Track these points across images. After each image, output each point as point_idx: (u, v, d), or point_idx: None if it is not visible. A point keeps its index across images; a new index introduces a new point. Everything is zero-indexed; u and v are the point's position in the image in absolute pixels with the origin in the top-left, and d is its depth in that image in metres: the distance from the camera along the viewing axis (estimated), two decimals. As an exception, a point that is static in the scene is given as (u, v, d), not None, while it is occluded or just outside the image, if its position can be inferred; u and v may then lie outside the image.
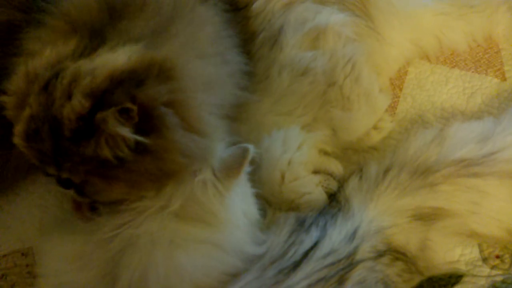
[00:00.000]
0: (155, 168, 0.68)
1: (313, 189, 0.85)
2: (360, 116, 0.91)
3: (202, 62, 0.76)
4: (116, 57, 0.68)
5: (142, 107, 0.64)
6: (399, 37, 1.01)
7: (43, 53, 0.70)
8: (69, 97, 0.64)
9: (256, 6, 0.92)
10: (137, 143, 0.65)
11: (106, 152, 0.64)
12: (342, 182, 0.86)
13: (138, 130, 0.64)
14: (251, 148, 0.73)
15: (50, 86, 0.66)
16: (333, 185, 0.87)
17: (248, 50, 0.89)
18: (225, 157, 0.74)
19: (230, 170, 0.72)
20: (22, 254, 0.88)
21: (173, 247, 0.69)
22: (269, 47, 0.90)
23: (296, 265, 0.70)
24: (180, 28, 0.76)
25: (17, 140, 0.68)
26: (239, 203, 0.75)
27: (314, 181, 0.86)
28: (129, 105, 0.62)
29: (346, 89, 0.90)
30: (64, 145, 0.65)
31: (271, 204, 0.84)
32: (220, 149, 0.75)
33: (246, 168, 0.74)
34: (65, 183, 0.70)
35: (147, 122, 0.65)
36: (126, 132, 0.63)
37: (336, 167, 0.90)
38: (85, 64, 0.67)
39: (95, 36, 0.72)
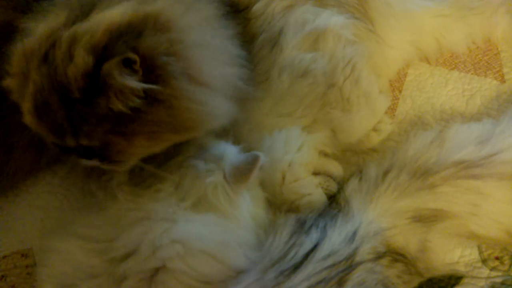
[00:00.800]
0: (170, 117, 0.69)
1: (313, 190, 0.85)
2: (359, 118, 0.91)
3: (194, 26, 0.76)
4: (111, 13, 0.68)
5: (144, 58, 0.64)
6: (399, 39, 1.01)
7: (36, 30, 0.70)
8: (70, 59, 0.64)
9: (256, 8, 0.91)
10: (147, 93, 0.65)
11: (119, 105, 0.64)
12: (341, 184, 0.87)
13: (144, 82, 0.65)
14: (262, 156, 0.76)
15: (49, 56, 0.66)
16: (333, 187, 0.88)
17: (248, 51, 0.89)
18: (236, 162, 0.76)
19: (240, 175, 0.75)
20: (22, 255, 0.88)
21: (175, 222, 0.72)
22: (269, 49, 0.90)
23: (297, 266, 0.70)
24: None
25: (28, 118, 0.68)
26: (247, 206, 0.78)
27: (314, 182, 0.86)
28: (131, 55, 0.63)
29: (346, 90, 0.90)
30: (77, 109, 0.65)
31: (272, 205, 0.84)
32: (232, 153, 0.78)
33: (256, 173, 0.77)
34: (87, 153, 0.70)
35: (152, 72, 0.66)
36: (132, 81, 0.63)
37: (336, 168, 0.90)
38: (80, 26, 0.67)
39: (85, 6, 0.72)
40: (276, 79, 0.89)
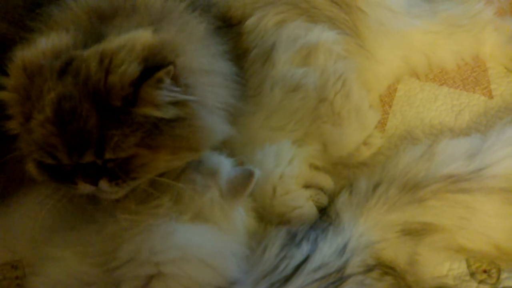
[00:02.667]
0: (190, 134, 0.71)
1: (303, 203, 0.85)
2: (350, 132, 0.92)
3: (194, 53, 0.78)
4: (140, 33, 0.70)
5: (173, 76, 0.67)
6: (389, 55, 1.02)
7: (36, 44, 0.70)
8: (107, 71, 0.65)
9: (249, 23, 0.92)
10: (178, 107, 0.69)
11: (158, 113, 0.67)
12: (332, 197, 0.87)
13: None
14: (257, 171, 0.77)
15: (71, 69, 0.66)
16: (324, 200, 0.88)
17: (241, 65, 0.90)
18: (231, 178, 0.77)
19: (235, 191, 0.77)
20: (12, 267, 0.87)
21: (174, 229, 0.73)
22: (261, 63, 0.91)
23: (287, 279, 0.71)
24: (170, 25, 0.78)
25: (40, 130, 0.66)
26: (242, 220, 0.79)
27: (305, 195, 0.87)
28: (172, 68, 0.66)
29: (336, 105, 0.91)
30: (112, 117, 0.65)
31: (263, 218, 0.85)
32: (227, 167, 0.79)
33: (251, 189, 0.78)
34: (94, 174, 0.69)
35: None
36: (174, 91, 0.67)
37: (326, 181, 0.91)
38: (107, 45, 0.68)
39: (91, 32, 0.73)
40: (268, 94, 0.90)
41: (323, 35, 0.93)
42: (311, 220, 0.83)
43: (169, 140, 0.69)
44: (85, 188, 0.70)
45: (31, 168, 0.72)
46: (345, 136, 0.92)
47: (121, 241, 0.71)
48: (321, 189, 0.90)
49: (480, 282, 0.79)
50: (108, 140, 0.65)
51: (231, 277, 0.72)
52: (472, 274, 0.80)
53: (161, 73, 0.65)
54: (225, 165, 0.79)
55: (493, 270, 0.80)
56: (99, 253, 0.72)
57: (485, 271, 0.80)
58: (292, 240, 0.77)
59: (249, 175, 0.77)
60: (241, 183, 0.77)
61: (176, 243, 0.71)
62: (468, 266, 0.81)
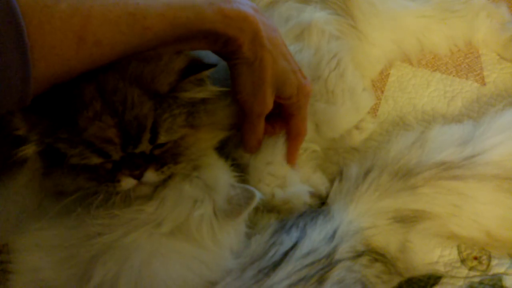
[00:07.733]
0: (221, 112, 0.75)
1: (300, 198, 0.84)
2: (343, 111, 0.90)
3: None
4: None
5: None
6: (381, 37, 1.01)
7: None
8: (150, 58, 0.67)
9: (240, 4, 0.91)
10: None
11: (201, 94, 0.70)
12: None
13: None
14: (258, 194, 0.72)
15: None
16: (316, 205, 0.85)
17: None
18: (230, 196, 0.73)
19: (231, 212, 0.72)
20: (-4, 251, 0.86)
21: (153, 254, 0.68)
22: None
23: (276, 264, 0.70)
24: None
25: (101, 121, 0.63)
26: (230, 243, 0.74)
27: (305, 191, 0.85)
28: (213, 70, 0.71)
29: (330, 83, 0.89)
30: (161, 101, 0.66)
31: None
32: (226, 184, 0.75)
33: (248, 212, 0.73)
34: (144, 163, 0.68)
35: None
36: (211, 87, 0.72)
37: (324, 185, 0.87)
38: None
39: None
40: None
41: (316, 15, 0.92)
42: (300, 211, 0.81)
43: (205, 116, 0.71)
44: (127, 183, 0.68)
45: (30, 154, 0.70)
46: (338, 115, 0.90)
47: (93, 256, 0.67)
48: (318, 195, 0.86)
49: (471, 268, 0.79)
50: (162, 123, 0.66)
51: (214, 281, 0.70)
52: (462, 261, 0.80)
53: (204, 74, 0.69)
54: (225, 181, 0.74)
55: (484, 257, 0.80)
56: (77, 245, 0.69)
57: (475, 258, 0.80)
58: (282, 227, 0.76)
59: (250, 196, 0.72)
60: (239, 204, 0.72)
61: (157, 280, 0.67)
62: (459, 252, 0.81)
